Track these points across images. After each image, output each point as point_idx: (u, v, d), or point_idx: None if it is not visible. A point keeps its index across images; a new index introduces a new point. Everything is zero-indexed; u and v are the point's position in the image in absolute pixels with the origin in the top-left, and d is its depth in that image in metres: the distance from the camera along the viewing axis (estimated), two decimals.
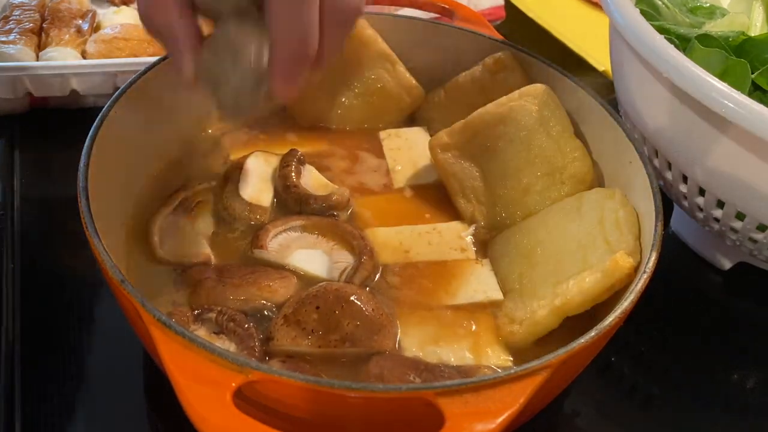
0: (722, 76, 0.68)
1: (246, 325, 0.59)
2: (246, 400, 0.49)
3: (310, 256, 0.67)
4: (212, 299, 0.62)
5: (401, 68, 0.81)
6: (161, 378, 0.50)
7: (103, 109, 0.66)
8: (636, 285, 0.57)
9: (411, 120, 0.84)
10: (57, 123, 0.91)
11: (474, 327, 0.64)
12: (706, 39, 0.72)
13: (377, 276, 0.67)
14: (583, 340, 0.52)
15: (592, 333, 0.53)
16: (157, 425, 0.65)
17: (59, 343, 0.69)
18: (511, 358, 0.62)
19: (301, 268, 0.66)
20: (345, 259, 0.68)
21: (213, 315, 0.60)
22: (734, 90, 0.61)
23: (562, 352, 0.51)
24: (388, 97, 0.81)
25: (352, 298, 0.60)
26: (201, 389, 0.47)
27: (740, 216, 0.70)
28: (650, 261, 0.59)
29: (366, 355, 0.60)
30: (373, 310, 0.61)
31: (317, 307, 0.60)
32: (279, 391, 0.49)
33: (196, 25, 0.57)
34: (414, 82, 0.82)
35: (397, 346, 0.62)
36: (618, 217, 0.64)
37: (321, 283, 0.63)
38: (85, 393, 0.65)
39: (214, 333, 0.59)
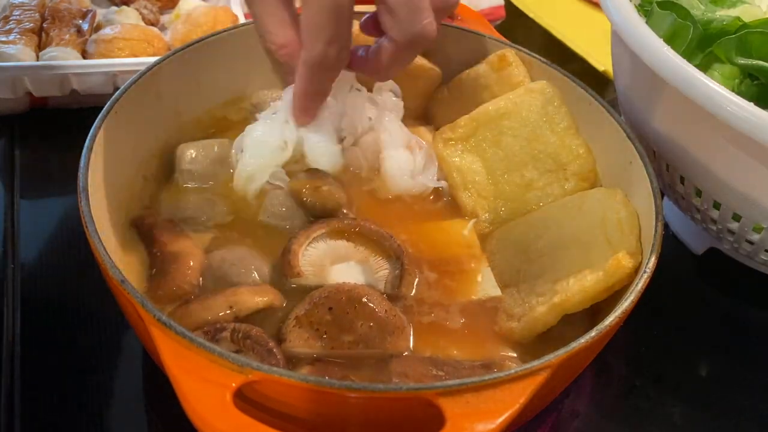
0: (670, 39, 0.69)
1: (264, 341, 0.57)
2: (246, 400, 0.49)
3: (347, 270, 0.65)
4: (177, 319, 0.58)
5: None
6: (161, 378, 0.50)
7: (103, 109, 0.66)
8: (636, 285, 0.57)
9: (418, 118, 0.84)
10: (57, 123, 0.91)
11: (474, 324, 0.64)
12: (665, 3, 0.73)
13: (417, 277, 0.66)
14: (583, 340, 0.52)
15: (593, 333, 0.53)
16: (156, 425, 0.65)
17: (59, 343, 0.69)
18: (514, 354, 0.62)
19: None
20: (382, 265, 0.66)
21: (227, 334, 0.58)
22: (734, 94, 0.61)
23: (562, 352, 0.51)
24: (403, 86, 0.81)
25: (364, 299, 0.60)
26: (201, 389, 0.47)
27: (736, 217, 0.70)
28: (650, 261, 0.59)
29: (382, 357, 0.59)
30: (386, 311, 0.60)
31: (330, 308, 0.59)
32: (279, 391, 0.49)
33: None
34: (426, 64, 0.81)
35: (411, 347, 0.61)
36: (620, 218, 0.64)
37: (332, 284, 0.62)
38: (85, 393, 0.65)
39: (234, 353, 0.57)
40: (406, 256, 0.66)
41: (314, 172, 0.70)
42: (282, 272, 0.64)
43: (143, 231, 0.67)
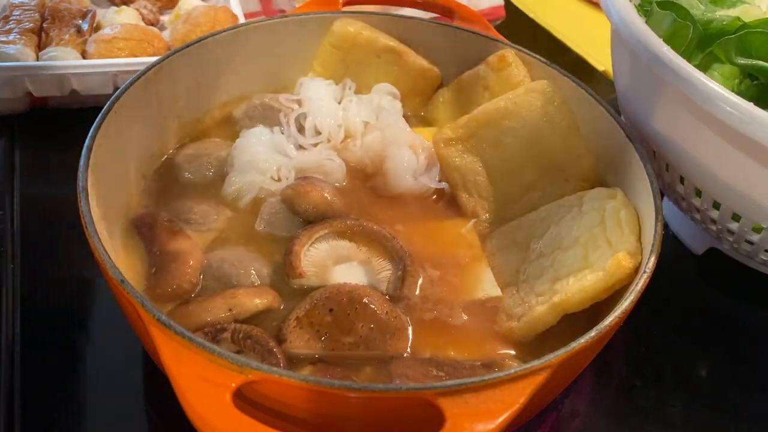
0: (670, 39, 0.69)
1: (264, 341, 0.57)
2: (246, 400, 0.49)
3: (349, 270, 0.65)
4: (177, 319, 0.56)
5: (409, 56, 0.81)
6: (161, 378, 0.50)
7: (103, 109, 0.66)
8: (636, 285, 0.58)
9: (418, 119, 0.84)
10: (57, 123, 0.91)
11: (474, 323, 0.64)
12: (665, 3, 0.73)
13: (420, 279, 0.66)
14: (583, 340, 0.52)
15: (592, 333, 0.53)
16: (156, 425, 0.65)
17: (59, 343, 0.69)
18: (515, 354, 0.62)
19: None
20: (384, 266, 0.66)
21: (228, 335, 0.58)
22: (734, 94, 0.61)
23: (562, 352, 0.51)
24: (403, 87, 0.81)
25: (365, 300, 0.60)
26: (201, 389, 0.47)
27: (736, 217, 0.70)
28: (650, 262, 0.59)
29: (383, 358, 0.59)
30: (386, 312, 0.60)
31: (330, 310, 0.59)
32: (279, 391, 0.49)
33: None
34: (425, 64, 0.82)
35: (409, 348, 0.61)
36: (620, 218, 0.64)
37: (333, 284, 0.62)
38: (85, 393, 0.65)
39: (235, 353, 0.57)
40: (408, 258, 0.65)
41: (305, 179, 0.70)
42: (284, 273, 0.64)
43: (143, 230, 0.67)
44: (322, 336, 0.59)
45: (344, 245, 0.67)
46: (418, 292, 0.65)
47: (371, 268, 0.66)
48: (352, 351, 0.59)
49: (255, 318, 0.61)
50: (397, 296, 0.64)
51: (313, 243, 0.66)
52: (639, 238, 0.63)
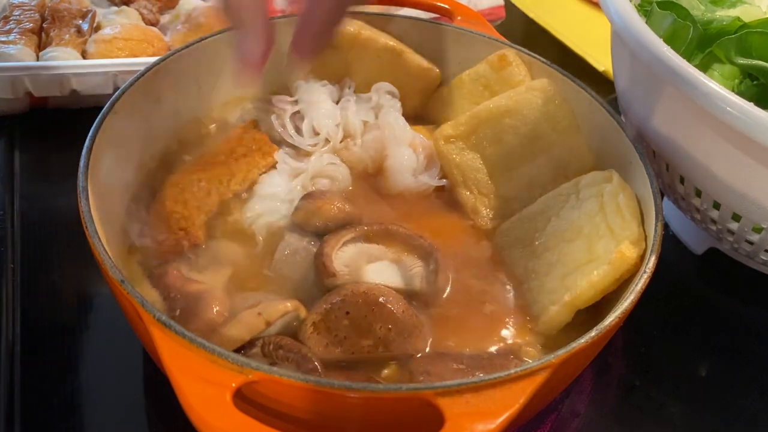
0: (670, 39, 0.70)
1: (297, 348, 0.56)
2: (246, 400, 0.49)
3: (381, 269, 0.65)
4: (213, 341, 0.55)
5: (409, 55, 0.81)
6: (161, 378, 0.50)
7: (103, 109, 0.66)
8: (636, 285, 0.58)
9: (418, 118, 0.84)
10: (57, 123, 0.91)
11: (491, 313, 0.65)
12: (665, 4, 0.73)
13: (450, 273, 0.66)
14: (583, 340, 0.52)
15: (592, 333, 0.53)
16: (156, 425, 0.65)
17: (59, 343, 0.69)
18: (534, 340, 0.63)
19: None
20: (415, 262, 0.66)
21: (257, 349, 0.57)
22: (734, 94, 0.61)
23: (561, 353, 0.51)
24: (402, 86, 0.81)
25: (381, 300, 0.59)
26: (201, 389, 0.47)
27: (736, 217, 0.70)
28: (650, 262, 0.59)
29: (402, 357, 0.59)
30: (403, 311, 0.60)
31: (347, 313, 0.59)
32: (279, 391, 0.49)
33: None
34: (425, 63, 0.82)
35: (428, 347, 0.61)
36: (619, 203, 0.63)
37: (346, 286, 0.62)
38: (85, 393, 0.65)
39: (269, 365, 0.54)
40: (438, 252, 0.65)
41: (309, 196, 0.69)
42: (316, 275, 0.64)
43: (153, 281, 0.64)
44: (341, 341, 0.58)
45: (374, 247, 0.67)
46: (449, 286, 0.65)
47: (403, 266, 0.66)
48: (371, 353, 0.59)
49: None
50: (433, 290, 0.64)
51: (341, 247, 0.65)
52: (641, 223, 0.63)
